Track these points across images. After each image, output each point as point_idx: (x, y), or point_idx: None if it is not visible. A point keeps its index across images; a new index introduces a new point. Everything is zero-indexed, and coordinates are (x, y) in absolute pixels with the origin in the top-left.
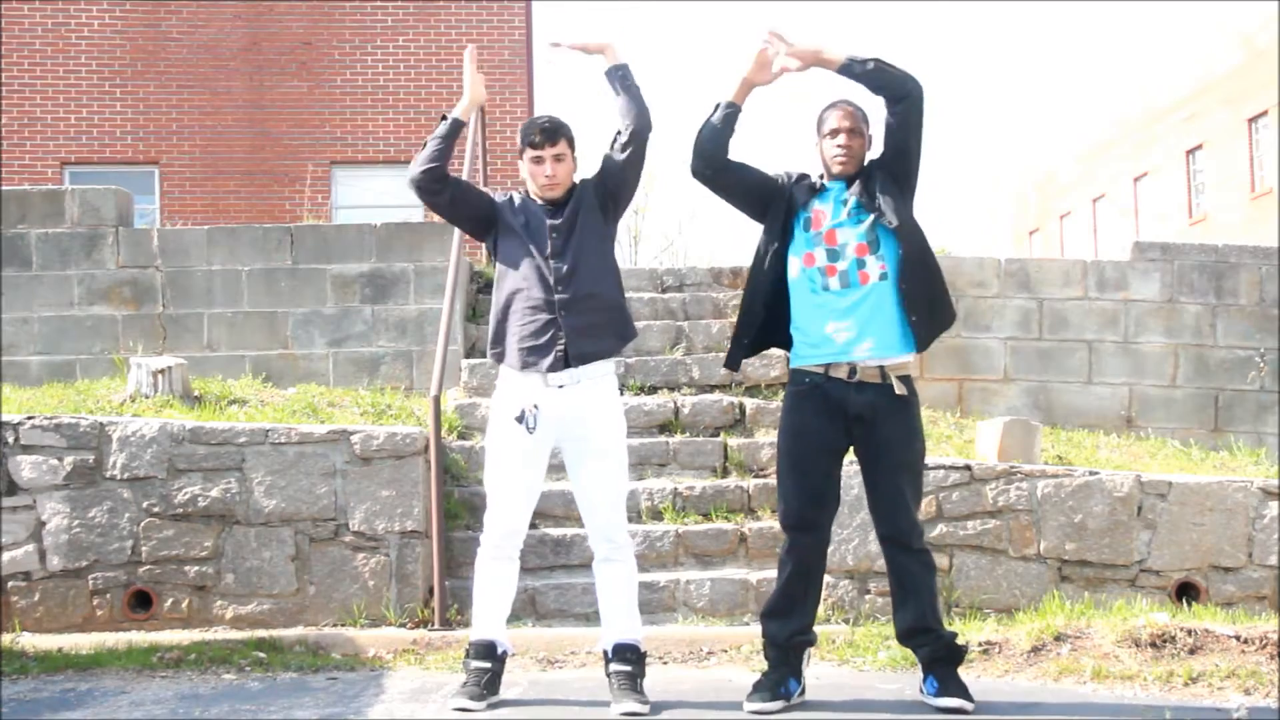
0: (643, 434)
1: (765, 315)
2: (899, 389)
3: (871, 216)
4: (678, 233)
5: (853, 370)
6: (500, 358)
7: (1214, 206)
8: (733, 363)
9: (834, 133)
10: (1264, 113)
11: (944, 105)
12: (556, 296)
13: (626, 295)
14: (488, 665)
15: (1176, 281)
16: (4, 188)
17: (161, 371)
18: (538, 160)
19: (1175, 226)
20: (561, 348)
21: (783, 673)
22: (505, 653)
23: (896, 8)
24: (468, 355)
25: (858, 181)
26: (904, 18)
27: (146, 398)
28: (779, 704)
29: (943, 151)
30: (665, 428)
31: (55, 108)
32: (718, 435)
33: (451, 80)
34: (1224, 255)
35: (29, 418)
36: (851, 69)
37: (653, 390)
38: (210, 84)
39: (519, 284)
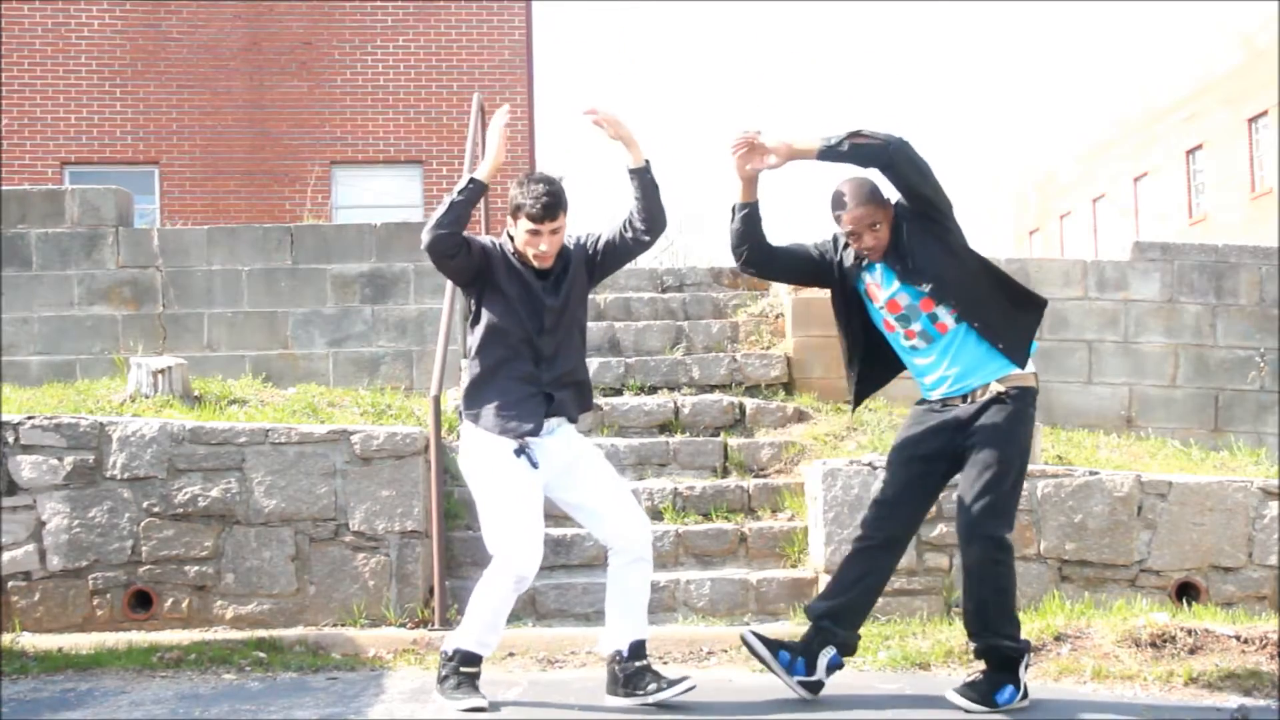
0: (643, 434)
1: (862, 368)
2: (996, 391)
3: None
4: (678, 232)
5: (966, 398)
6: (475, 419)
7: (1214, 206)
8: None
9: (851, 235)
10: (1264, 113)
11: (945, 105)
12: (543, 374)
13: (626, 295)
14: (477, 670)
15: (1176, 281)
16: (4, 188)
17: (161, 371)
18: (534, 233)
19: (1175, 226)
20: (540, 419)
21: (795, 649)
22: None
23: (897, 8)
24: (467, 355)
25: (890, 248)
26: (905, 18)
27: (146, 398)
28: (769, 654)
29: (943, 151)
30: (665, 428)
31: (55, 108)
32: (718, 435)
33: (451, 80)
34: (1224, 255)
35: (29, 418)
36: (829, 155)
37: (653, 390)
38: (210, 84)
39: (506, 354)
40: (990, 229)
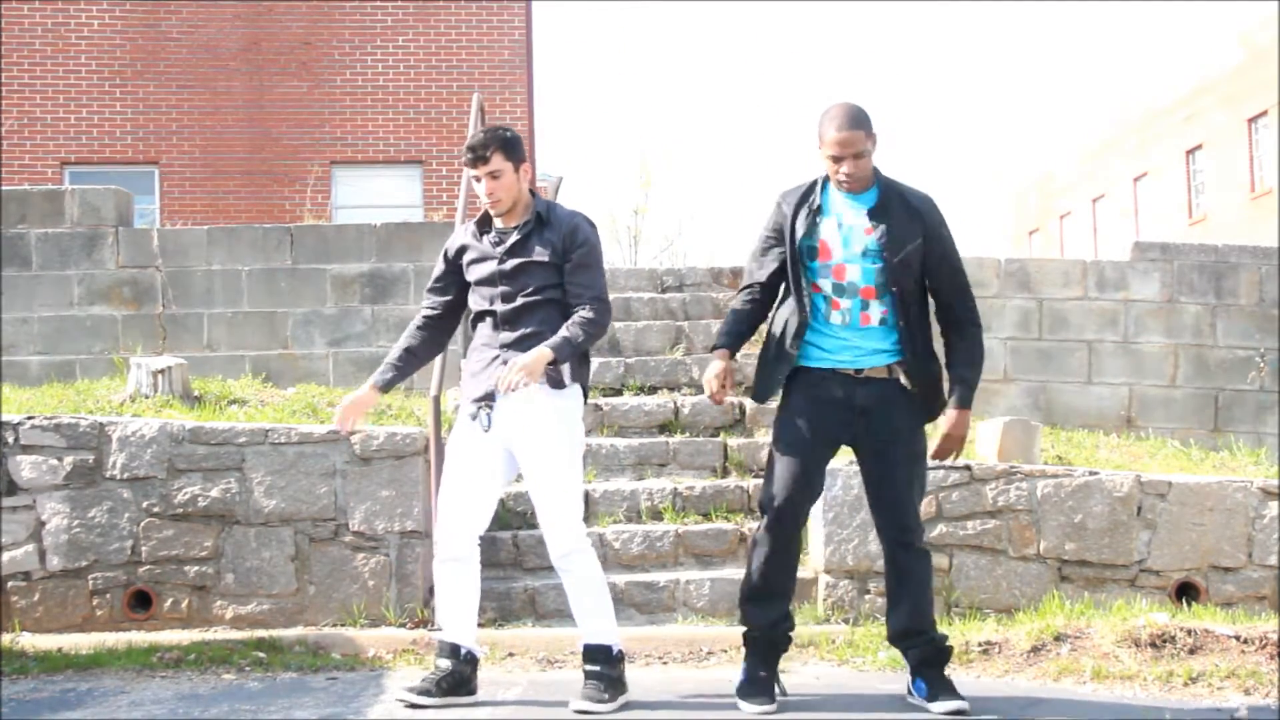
0: (643, 434)
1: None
2: (905, 382)
3: (884, 265)
4: (678, 233)
5: (859, 370)
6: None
7: (1214, 206)
8: (763, 397)
9: (837, 159)
10: (1264, 113)
11: (945, 104)
12: (501, 334)
13: (626, 295)
14: (449, 665)
15: (1176, 281)
16: (4, 188)
17: (161, 371)
18: (476, 179)
19: (1175, 226)
20: (494, 381)
21: (771, 670)
22: (470, 654)
23: (898, 7)
24: (467, 355)
25: (887, 222)
26: (906, 17)
27: (146, 398)
28: (775, 706)
29: (943, 151)
30: (665, 428)
31: (55, 108)
32: (718, 435)
33: (451, 80)
34: (1224, 255)
35: (29, 418)
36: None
37: (653, 390)
38: (210, 84)
39: (479, 325)
40: (990, 229)
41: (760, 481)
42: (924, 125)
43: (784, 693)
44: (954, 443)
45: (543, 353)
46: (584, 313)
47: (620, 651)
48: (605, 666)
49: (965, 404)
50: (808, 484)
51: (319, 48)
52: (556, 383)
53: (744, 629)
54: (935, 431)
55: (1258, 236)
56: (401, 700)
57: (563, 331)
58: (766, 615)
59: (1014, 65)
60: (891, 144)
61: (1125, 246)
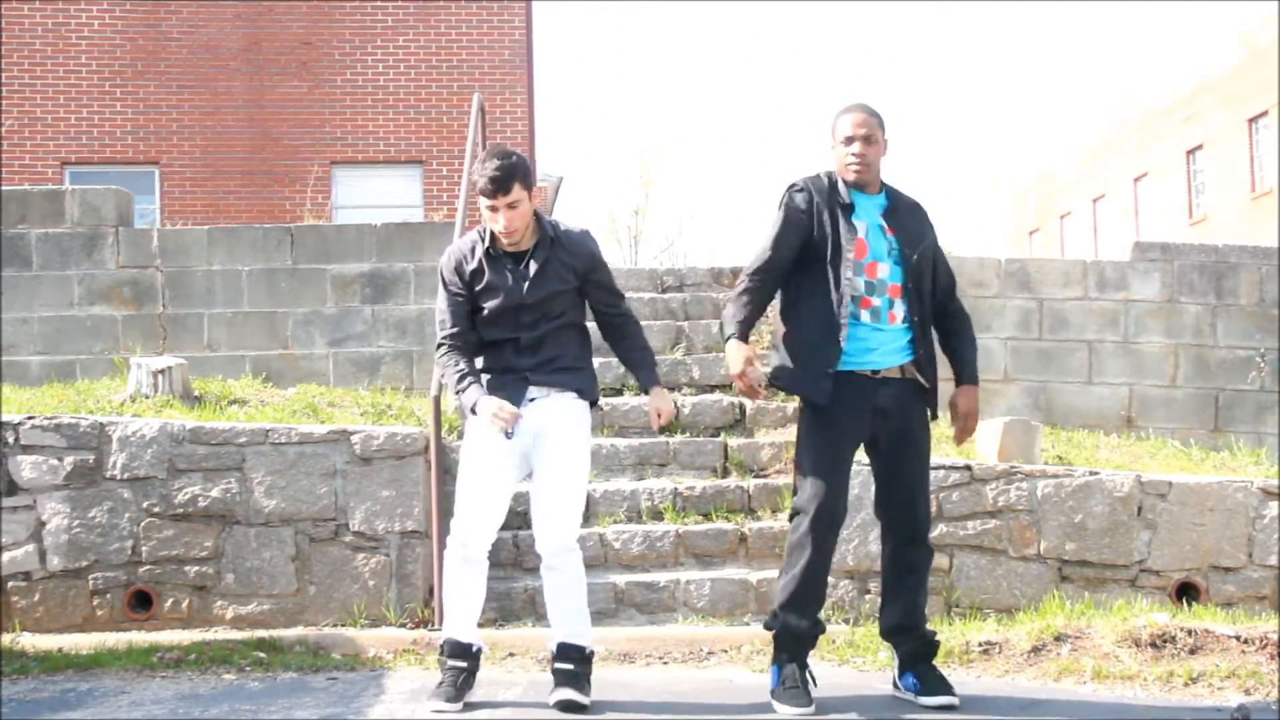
0: (643, 434)
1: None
2: (921, 379)
3: (905, 265)
4: (678, 233)
5: (875, 371)
6: (474, 412)
7: (1214, 206)
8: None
9: (849, 140)
10: (1264, 113)
11: (945, 104)
12: (524, 360)
13: (625, 295)
14: (463, 664)
15: (1176, 281)
16: (4, 188)
17: (161, 371)
18: (492, 209)
19: (1175, 226)
20: (519, 397)
21: (804, 665)
22: (479, 650)
23: (899, 7)
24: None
25: (899, 223)
26: (906, 16)
27: (146, 398)
28: (814, 708)
29: (943, 151)
30: (665, 428)
31: (55, 108)
32: (718, 435)
33: (452, 80)
34: (1224, 255)
35: (29, 418)
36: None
37: None
38: (210, 84)
39: (493, 355)
40: (990, 229)
41: (761, 482)
42: (924, 125)
43: (815, 683)
44: (973, 419)
45: (665, 392)
46: (632, 327)
47: (592, 652)
48: (579, 666)
49: (975, 380)
50: (842, 486)
51: (319, 48)
52: (585, 394)
53: (775, 632)
54: (939, 429)
55: (1258, 236)
56: (437, 710)
57: (648, 358)
58: (803, 620)
59: (1014, 65)
60: (893, 144)
61: (1125, 246)
